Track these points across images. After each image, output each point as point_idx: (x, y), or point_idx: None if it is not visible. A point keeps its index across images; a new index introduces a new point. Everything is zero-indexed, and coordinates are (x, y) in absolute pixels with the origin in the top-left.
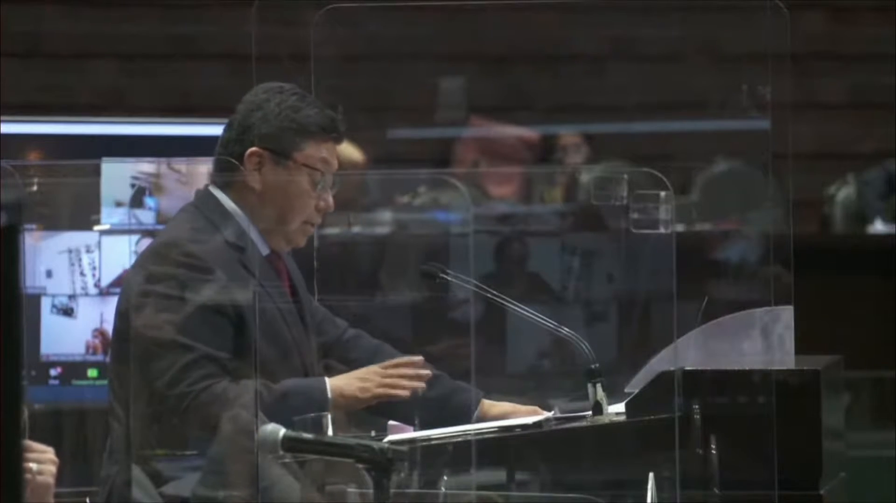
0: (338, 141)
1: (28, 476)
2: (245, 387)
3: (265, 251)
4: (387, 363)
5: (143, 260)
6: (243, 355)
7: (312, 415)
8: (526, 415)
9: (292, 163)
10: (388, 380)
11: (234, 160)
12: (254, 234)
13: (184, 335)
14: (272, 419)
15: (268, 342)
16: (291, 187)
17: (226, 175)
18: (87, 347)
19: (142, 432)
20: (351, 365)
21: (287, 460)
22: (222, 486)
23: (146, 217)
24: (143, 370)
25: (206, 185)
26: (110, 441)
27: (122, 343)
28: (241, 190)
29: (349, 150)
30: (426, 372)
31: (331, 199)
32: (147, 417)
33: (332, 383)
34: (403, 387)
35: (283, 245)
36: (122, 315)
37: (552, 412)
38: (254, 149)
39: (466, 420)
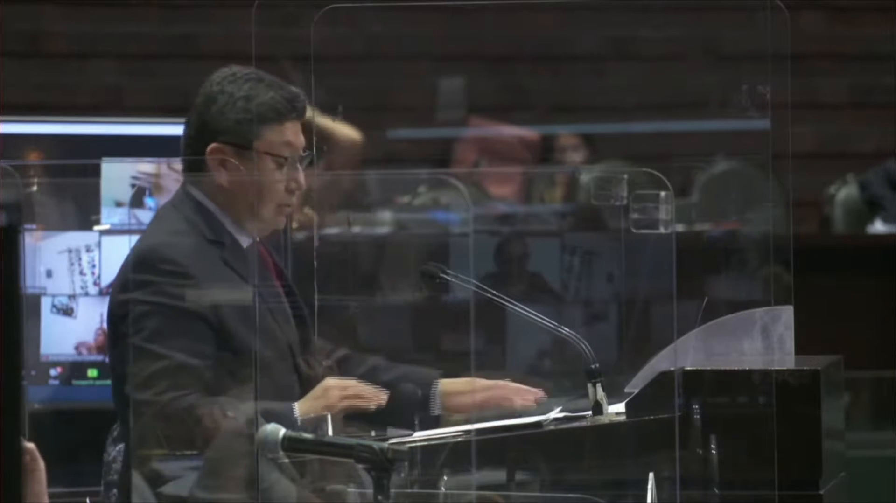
0: (300, 117)
1: None
2: (213, 403)
3: (245, 242)
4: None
5: (124, 266)
6: (227, 358)
7: (313, 415)
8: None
9: (255, 152)
10: (349, 392)
11: (199, 157)
12: (232, 228)
13: (157, 342)
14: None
15: (258, 340)
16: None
17: (194, 175)
18: (86, 348)
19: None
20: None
21: (284, 461)
22: (220, 488)
23: (146, 217)
24: (123, 375)
25: (182, 184)
26: (122, 441)
27: (112, 347)
28: (211, 186)
29: (345, 130)
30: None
31: (301, 178)
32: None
33: (299, 406)
34: (366, 398)
35: (263, 230)
36: (110, 320)
37: (552, 412)
38: (213, 145)
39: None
